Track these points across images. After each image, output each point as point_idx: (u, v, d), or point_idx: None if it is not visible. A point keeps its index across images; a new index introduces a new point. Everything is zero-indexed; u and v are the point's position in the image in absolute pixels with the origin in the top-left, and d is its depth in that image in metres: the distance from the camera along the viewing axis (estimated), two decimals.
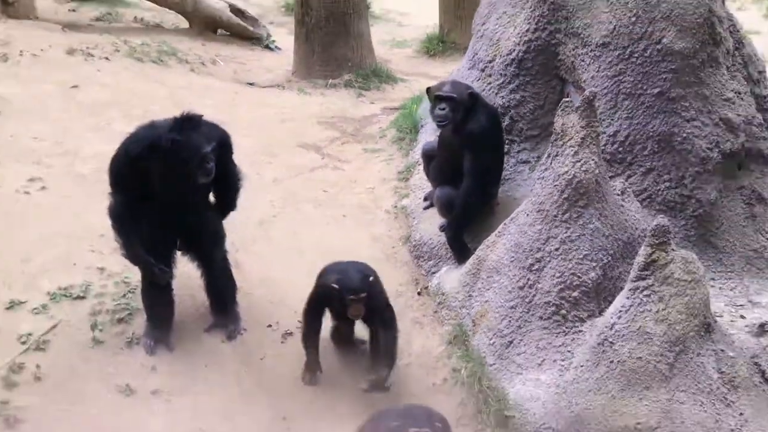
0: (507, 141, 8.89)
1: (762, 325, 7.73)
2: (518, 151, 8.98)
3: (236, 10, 15.53)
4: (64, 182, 9.50)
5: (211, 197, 8.04)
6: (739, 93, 8.33)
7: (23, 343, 7.77)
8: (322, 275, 7.86)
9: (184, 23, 15.40)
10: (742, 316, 7.87)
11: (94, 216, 8.62)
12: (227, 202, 8.05)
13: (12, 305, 8.05)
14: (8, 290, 8.16)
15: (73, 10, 15.65)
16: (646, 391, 7.22)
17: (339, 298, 7.56)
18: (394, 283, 8.81)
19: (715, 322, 7.44)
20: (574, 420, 7.35)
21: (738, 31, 8.76)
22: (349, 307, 7.54)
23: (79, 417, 7.39)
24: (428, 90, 8.86)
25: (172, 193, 7.60)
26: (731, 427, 7.22)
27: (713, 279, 7.86)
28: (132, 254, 7.82)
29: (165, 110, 8.31)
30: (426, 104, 10.62)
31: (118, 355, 7.84)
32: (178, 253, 8.05)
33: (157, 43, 13.64)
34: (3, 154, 9.74)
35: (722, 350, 7.39)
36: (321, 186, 10.05)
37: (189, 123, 7.59)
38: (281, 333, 8.31)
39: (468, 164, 8.56)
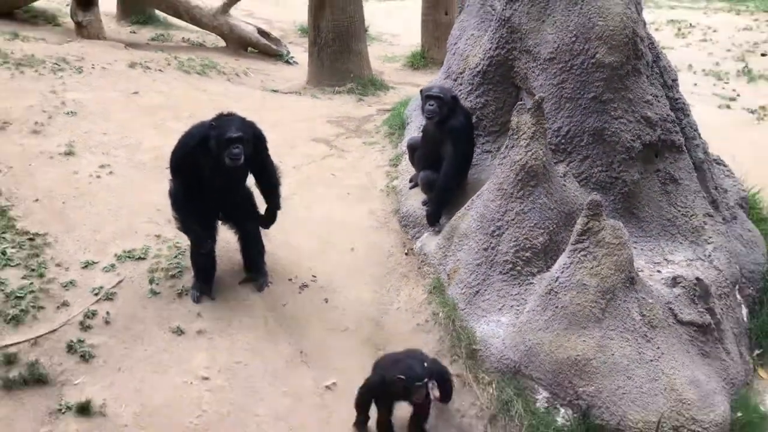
0: (474, 136, 8.89)
1: (674, 278, 7.73)
2: (483, 143, 8.98)
3: (262, 33, 15.49)
4: (127, 169, 9.50)
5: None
6: (657, 96, 8.32)
7: (95, 294, 7.77)
8: (382, 368, 7.11)
9: (222, 43, 15.34)
10: (658, 271, 7.87)
11: (151, 195, 8.65)
12: (271, 199, 8.08)
13: (87, 265, 8.05)
14: (84, 253, 8.16)
15: (134, 32, 15.59)
16: (584, 330, 7.24)
17: (404, 387, 6.89)
18: (387, 246, 8.88)
19: (638, 276, 7.45)
20: (527, 352, 7.38)
21: (655, 47, 8.74)
22: (414, 394, 6.94)
23: (140, 353, 7.41)
24: (421, 90, 8.87)
25: (216, 177, 7.62)
26: (650, 357, 7.24)
27: (636, 242, 7.87)
28: (185, 227, 7.88)
29: (207, 112, 8.30)
30: (411, 106, 10.64)
31: (170, 303, 7.85)
32: (220, 223, 8.06)
33: (200, 59, 13.60)
34: (79, 146, 9.73)
35: (643, 298, 7.40)
36: (330, 171, 10.06)
37: (225, 117, 7.65)
38: (299, 285, 8.33)
39: (448, 153, 8.59)
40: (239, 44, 15.40)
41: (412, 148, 9.13)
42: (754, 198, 9.32)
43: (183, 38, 15.29)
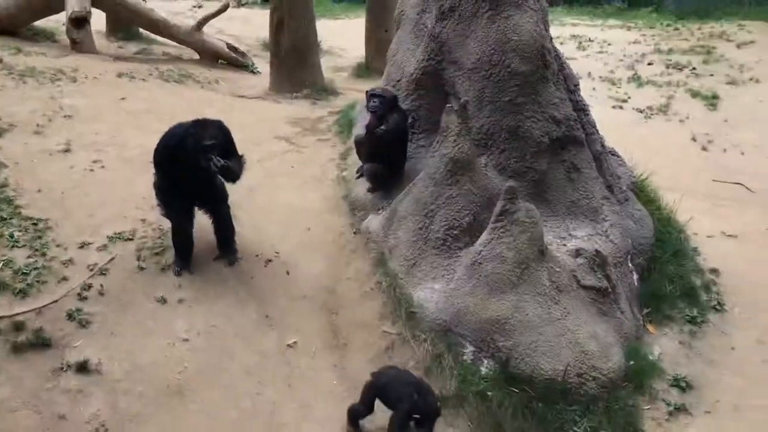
0: (410, 133, 8.92)
1: (577, 250, 7.80)
2: (418, 139, 8.98)
3: (231, 47, 15.39)
4: (117, 163, 9.43)
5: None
6: (562, 99, 8.38)
7: (91, 270, 7.72)
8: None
9: (196, 56, 15.23)
10: (564, 245, 7.94)
11: (137, 186, 8.60)
12: (236, 173, 7.97)
13: (83, 245, 8.00)
14: (80, 235, 8.11)
15: (121, 47, 15.43)
16: (503, 295, 7.32)
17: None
18: (338, 226, 8.89)
19: (547, 249, 7.53)
20: (456, 314, 7.44)
21: (560, 58, 8.81)
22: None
23: (129, 319, 7.39)
24: (367, 91, 8.87)
25: (192, 171, 7.60)
26: (558, 316, 7.33)
27: (545, 221, 7.91)
28: (167, 213, 7.91)
29: (185, 115, 8.28)
30: (358, 109, 10.66)
31: (155, 277, 7.82)
32: (197, 209, 8.05)
33: (178, 69, 13.49)
34: (75, 145, 9.66)
35: (552, 267, 7.49)
36: (289, 164, 10.05)
37: (202, 123, 7.65)
38: (264, 261, 8.33)
39: (388, 146, 8.64)
40: (211, 57, 15.29)
41: (359, 143, 9.14)
42: (643, 183, 9.45)
43: (163, 52, 15.14)
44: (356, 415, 6.86)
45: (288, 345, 7.54)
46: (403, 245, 8.07)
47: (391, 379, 6.85)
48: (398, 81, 9.22)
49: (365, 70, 14.96)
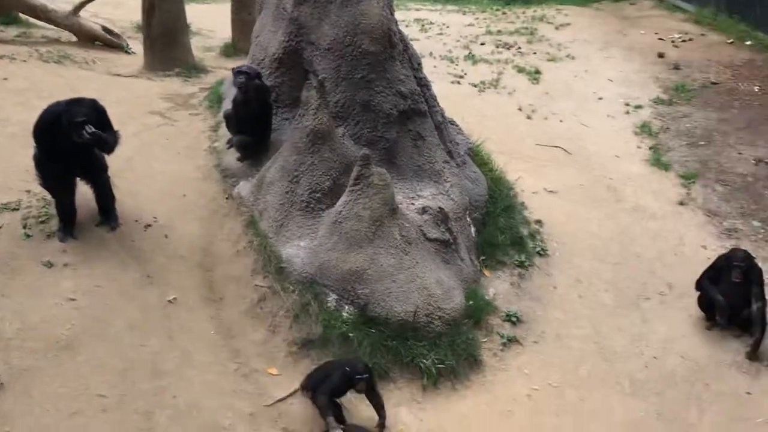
0: (275, 107, 8.81)
1: (423, 208, 7.92)
2: (282, 113, 8.88)
3: (106, 29, 14.73)
4: (0, 138, 8.96)
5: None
6: (407, 76, 8.45)
7: None
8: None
9: (74, 38, 14.51)
10: (412, 204, 8.04)
11: (21, 159, 8.15)
12: (110, 144, 7.68)
13: None
14: None
15: (2, 31, 14.58)
16: (360, 249, 7.39)
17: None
18: (211, 193, 8.70)
19: (398, 207, 7.62)
20: (320, 267, 7.47)
21: (405, 39, 8.86)
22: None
23: (19, 282, 7.08)
24: (233, 69, 8.73)
25: (69, 145, 7.31)
26: (408, 266, 7.47)
27: (396, 183, 7.97)
28: (45, 183, 7.59)
29: (64, 93, 7.94)
30: (226, 85, 10.44)
31: (41, 243, 7.50)
32: (78, 179, 7.75)
33: (57, 51, 12.84)
34: None
35: (402, 223, 7.59)
36: (164, 136, 9.75)
37: (76, 101, 7.40)
38: (143, 225, 8.09)
39: (254, 119, 8.52)
40: (88, 39, 14.60)
41: (227, 117, 8.97)
42: (478, 148, 9.64)
43: (42, 35, 14.35)
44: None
45: (168, 301, 7.38)
46: (271, 208, 8.00)
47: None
48: (262, 60, 9.08)
49: (232, 50, 14.58)
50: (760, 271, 8.04)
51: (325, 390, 6.51)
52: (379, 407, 6.70)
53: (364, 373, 6.53)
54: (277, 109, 8.87)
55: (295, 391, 6.85)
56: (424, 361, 7.24)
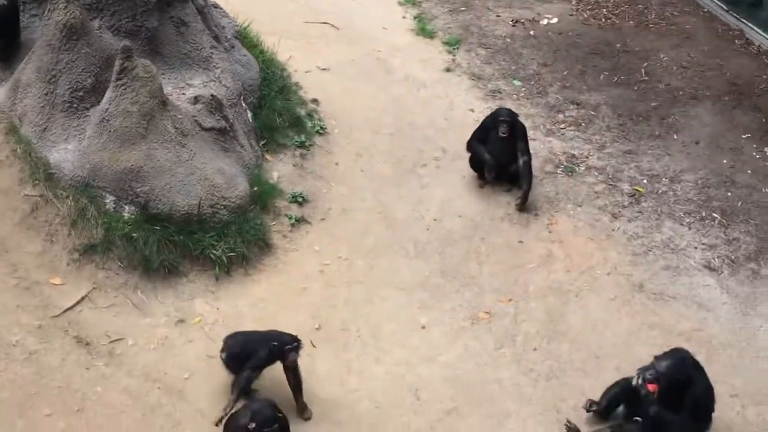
0: (20, 3, 8.15)
1: (196, 97, 7.81)
2: (30, 9, 8.13)
3: None
4: None
5: None
6: None
7: None
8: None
9: None
10: (183, 94, 7.91)
11: None
12: None
13: None
14: None
15: None
16: (133, 146, 7.28)
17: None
18: None
19: (168, 99, 7.51)
20: (92, 169, 7.30)
21: None
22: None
23: None
24: None
25: None
26: (186, 158, 7.47)
27: (163, 74, 7.81)
28: None
29: None
30: None
31: None
32: None
33: None
34: None
35: (175, 115, 7.51)
36: None
37: None
38: None
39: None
40: None
41: None
42: (246, 30, 9.54)
43: None
44: None
45: None
46: (31, 112, 7.60)
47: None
48: None
49: None
50: (523, 128, 8.66)
51: (252, 365, 6.21)
52: (297, 389, 6.31)
53: (293, 342, 6.22)
54: (24, 5, 8.27)
55: (83, 298, 6.78)
56: (214, 251, 7.34)
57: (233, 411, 6.04)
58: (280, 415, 5.61)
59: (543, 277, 7.78)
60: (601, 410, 6.55)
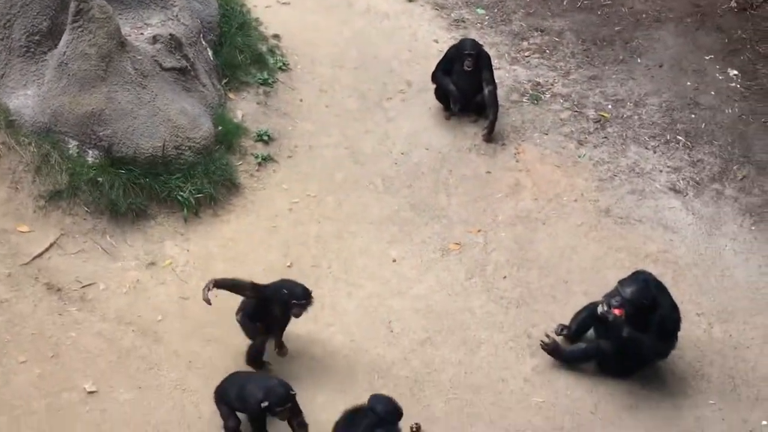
0: None
1: (154, 37, 7.67)
2: None
3: None
4: None
5: None
6: None
7: None
8: None
9: None
10: (141, 34, 7.78)
11: None
12: None
13: None
14: None
15: None
16: (93, 89, 7.21)
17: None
18: None
19: (126, 40, 7.38)
20: (53, 114, 7.22)
21: None
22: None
23: None
24: None
25: None
26: (148, 100, 7.40)
27: (120, 14, 7.62)
28: None
29: None
30: None
31: None
32: None
33: None
34: None
35: (134, 56, 7.41)
36: None
37: None
38: None
39: None
40: None
41: None
42: None
43: None
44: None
45: None
46: None
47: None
48: None
49: None
50: (488, 57, 8.64)
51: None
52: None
53: (303, 297, 6.10)
54: None
55: (51, 245, 6.77)
56: (182, 193, 7.33)
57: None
58: (293, 393, 5.59)
59: (511, 206, 7.87)
60: (571, 334, 6.72)
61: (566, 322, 6.76)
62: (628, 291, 6.20)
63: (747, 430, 6.36)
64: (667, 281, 6.72)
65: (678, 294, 6.76)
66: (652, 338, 6.28)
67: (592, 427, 6.26)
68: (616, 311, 6.20)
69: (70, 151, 7.22)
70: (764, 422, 6.38)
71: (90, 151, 7.23)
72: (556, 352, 6.57)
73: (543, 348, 6.57)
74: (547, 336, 6.61)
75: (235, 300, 6.20)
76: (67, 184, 7.06)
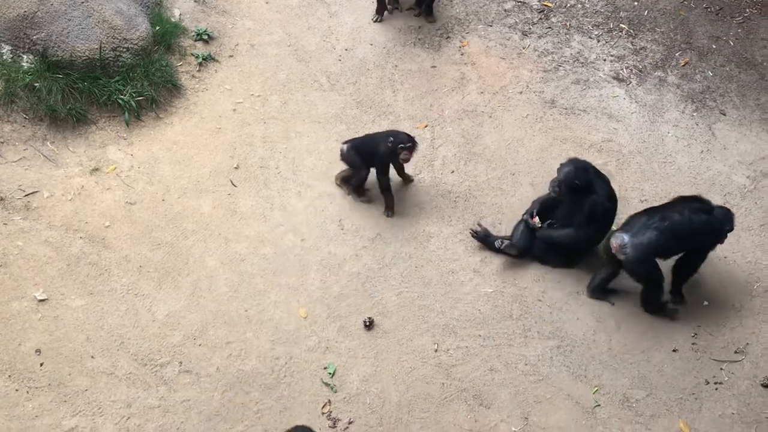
0: None
1: None
2: None
3: None
4: None
5: None
6: None
7: None
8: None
9: None
10: None
11: None
12: None
13: None
14: None
15: None
16: None
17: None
18: None
19: None
20: None
21: None
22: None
23: None
24: None
25: None
26: (81, 1, 7.20)
27: None
28: None
29: None
30: None
31: None
32: None
33: None
34: None
35: None
36: None
37: None
38: None
39: None
40: None
41: None
42: None
43: None
44: None
45: None
46: None
47: None
48: None
49: None
50: None
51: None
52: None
53: (408, 141, 6.79)
54: None
55: None
56: (122, 96, 7.22)
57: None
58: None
59: (457, 100, 7.88)
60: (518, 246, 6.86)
61: (513, 213, 6.92)
62: (562, 172, 6.40)
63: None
64: (611, 169, 6.85)
65: (622, 181, 6.90)
66: (579, 224, 6.50)
67: (539, 313, 6.48)
68: (533, 219, 6.67)
69: (4, 57, 7.04)
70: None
71: (24, 56, 7.04)
72: (486, 241, 6.78)
73: (473, 236, 6.79)
74: (479, 225, 6.81)
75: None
76: (3, 91, 6.90)
